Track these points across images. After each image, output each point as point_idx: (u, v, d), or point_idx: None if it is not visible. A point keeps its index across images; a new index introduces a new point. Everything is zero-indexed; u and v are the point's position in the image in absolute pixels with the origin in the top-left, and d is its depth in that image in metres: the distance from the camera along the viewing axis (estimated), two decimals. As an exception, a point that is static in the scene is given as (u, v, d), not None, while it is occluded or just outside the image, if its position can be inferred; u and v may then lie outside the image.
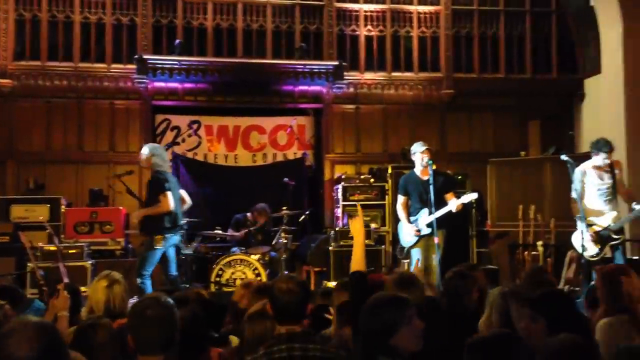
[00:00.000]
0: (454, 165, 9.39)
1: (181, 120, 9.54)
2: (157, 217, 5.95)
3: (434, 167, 6.12)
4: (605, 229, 5.81)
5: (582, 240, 5.71)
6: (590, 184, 5.95)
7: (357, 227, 3.47)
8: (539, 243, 7.86)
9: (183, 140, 9.49)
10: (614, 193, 5.93)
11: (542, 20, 10.28)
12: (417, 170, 6.25)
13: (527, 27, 10.21)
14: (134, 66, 8.96)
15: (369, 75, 9.81)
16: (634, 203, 5.81)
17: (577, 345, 1.94)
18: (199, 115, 9.59)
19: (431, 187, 5.89)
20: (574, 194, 5.96)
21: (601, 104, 9.00)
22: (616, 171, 5.96)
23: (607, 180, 5.92)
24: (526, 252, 8.11)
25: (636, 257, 7.01)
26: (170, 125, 9.54)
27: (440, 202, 5.98)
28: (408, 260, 6.49)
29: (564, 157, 5.99)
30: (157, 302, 2.21)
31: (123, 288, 3.27)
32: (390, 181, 8.66)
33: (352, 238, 8.10)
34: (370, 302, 2.57)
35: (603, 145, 5.84)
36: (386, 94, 9.85)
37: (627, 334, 2.91)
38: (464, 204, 6.12)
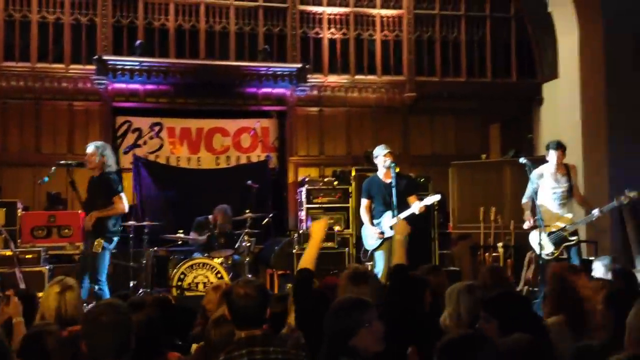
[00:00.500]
0: (417, 168, 9.51)
1: (143, 122, 9.40)
2: (105, 219, 5.84)
3: (397, 169, 6.18)
4: (561, 230, 5.97)
5: (540, 240, 5.84)
6: (546, 186, 6.12)
7: (318, 229, 3.48)
8: (500, 244, 7.99)
9: (145, 143, 9.35)
10: (569, 197, 6.10)
11: (501, 25, 10.47)
12: (380, 173, 6.29)
13: (488, 31, 10.39)
14: (93, 67, 8.79)
15: (332, 78, 9.84)
16: (593, 210, 5.97)
17: (529, 345, 1.96)
18: (161, 117, 9.46)
19: (394, 190, 5.93)
20: (524, 200, 6.19)
21: (559, 108, 9.22)
22: (572, 176, 6.13)
23: (564, 183, 6.10)
24: (487, 254, 8.23)
25: (592, 258, 7.18)
26: (132, 127, 9.40)
27: (403, 205, 6.03)
28: (371, 263, 6.51)
29: (522, 160, 6.13)
30: (111, 308, 2.17)
31: (76, 294, 3.18)
32: (353, 184, 8.69)
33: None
34: (333, 305, 2.61)
35: (550, 142, 6.11)
36: (349, 97, 9.89)
37: (565, 334, 2.96)
38: (426, 206, 6.18)
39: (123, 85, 9.09)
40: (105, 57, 8.74)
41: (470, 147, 10.05)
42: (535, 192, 6.08)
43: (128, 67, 8.80)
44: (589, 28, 8.42)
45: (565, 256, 6.00)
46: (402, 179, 6.21)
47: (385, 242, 6.10)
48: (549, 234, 6.01)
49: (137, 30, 9.22)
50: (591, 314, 2.99)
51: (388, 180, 6.14)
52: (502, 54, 10.44)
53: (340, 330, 2.49)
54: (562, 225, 6.00)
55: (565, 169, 6.15)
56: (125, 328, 2.15)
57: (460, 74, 10.29)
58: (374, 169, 6.62)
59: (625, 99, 8.07)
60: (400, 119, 10.08)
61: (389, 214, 6.08)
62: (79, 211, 7.95)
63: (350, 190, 8.74)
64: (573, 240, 5.99)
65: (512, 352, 1.91)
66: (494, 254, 8.09)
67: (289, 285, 7.57)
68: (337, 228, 8.48)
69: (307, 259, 3.32)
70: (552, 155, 6.06)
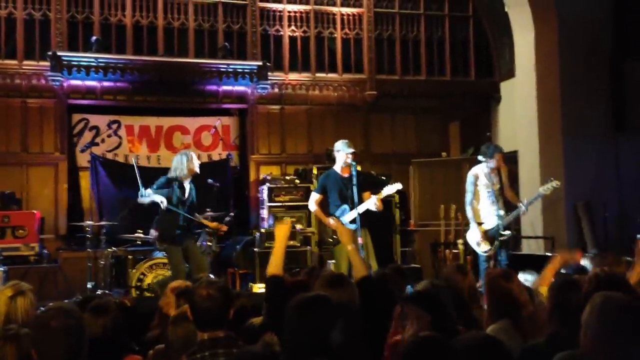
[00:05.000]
0: (378, 166, 9.56)
1: (100, 120, 9.21)
2: None
3: (358, 168, 6.18)
4: (494, 227, 6.27)
5: (478, 239, 6.33)
6: (482, 187, 6.40)
7: (281, 232, 3.46)
8: (460, 241, 8.09)
9: (102, 141, 9.17)
10: (500, 195, 6.43)
11: (460, 24, 10.59)
12: (338, 167, 6.25)
13: (447, 30, 10.50)
14: (47, 63, 8.53)
15: (293, 76, 9.80)
16: (521, 203, 6.39)
17: (486, 342, 1.97)
18: (119, 115, 9.28)
19: (354, 186, 5.91)
20: (467, 199, 6.46)
21: (516, 106, 9.37)
22: (503, 175, 6.47)
23: (497, 182, 6.43)
24: (448, 251, 8.34)
25: (549, 254, 7.34)
26: (89, 125, 9.20)
27: (360, 202, 6.03)
28: (334, 261, 6.49)
29: (481, 158, 6.29)
30: (62, 312, 2.09)
31: (29, 300, 3.06)
32: (315, 182, 8.67)
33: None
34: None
35: (491, 147, 6.47)
36: (311, 95, 9.87)
37: (511, 339, 2.97)
38: (383, 203, 6.19)
39: (79, 82, 8.87)
40: (59, 53, 8.51)
41: (431, 145, 10.16)
42: (470, 193, 6.43)
43: (84, 63, 8.58)
44: (544, 27, 8.58)
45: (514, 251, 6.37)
46: (360, 175, 6.20)
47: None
48: (486, 232, 6.35)
49: (93, 26, 9.01)
50: (532, 317, 3.02)
51: (346, 175, 6.13)
52: (460, 53, 10.57)
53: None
54: (495, 223, 6.28)
55: (496, 169, 6.46)
56: (77, 333, 2.07)
57: (420, 72, 10.37)
58: (335, 166, 6.59)
59: (579, 97, 8.26)
60: (362, 117, 10.11)
61: (345, 207, 6.05)
62: (34, 211, 7.79)
63: (312, 189, 8.71)
64: (505, 236, 6.30)
65: (470, 350, 1.90)
66: (454, 251, 8.20)
67: (253, 285, 7.53)
68: (299, 226, 8.46)
69: (275, 264, 3.32)
70: (494, 160, 6.34)
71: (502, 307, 3.13)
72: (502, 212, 6.33)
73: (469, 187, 6.46)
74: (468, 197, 6.48)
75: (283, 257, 3.39)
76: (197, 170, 6.54)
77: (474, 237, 6.45)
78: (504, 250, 6.42)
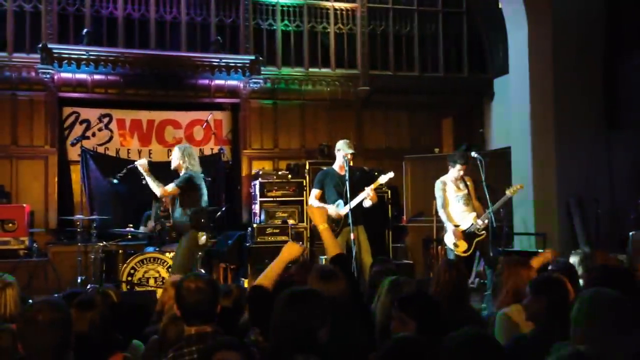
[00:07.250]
0: (371, 162, 9.54)
1: (91, 113, 9.14)
2: None
3: (351, 163, 6.18)
4: (469, 227, 6.28)
5: (453, 240, 6.32)
6: (451, 192, 6.45)
7: (290, 251, 3.31)
8: (452, 238, 8.08)
9: (93, 134, 9.10)
10: (470, 198, 6.47)
11: (453, 20, 10.58)
12: (336, 166, 6.30)
13: (440, 26, 10.48)
14: (37, 56, 8.46)
15: (286, 71, 9.76)
16: (484, 214, 6.34)
17: (480, 338, 1.95)
18: (110, 109, 9.22)
19: (347, 182, 5.92)
20: (438, 204, 6.50)
21: (509, 103, 9.36)
22: (468, 183, 6.51)
23: (463, 188, 6.46)
24: (440, 247, 8.33)
25: (540, 250, 7.35)
26: (80, 119, 9.13)
27: (353, 197, 6.03)
28: (326, 257, 6.46)
29: (474, 154, 6.29)
30: (49, 305, 2.07)
31: (17, 292, 3.04)
32: (307, 177, 8.66)
33: (268, 234, 8.10)
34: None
35: (459, 158, 6.43)
36: (304, 90, 9.83)
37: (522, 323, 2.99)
38: (377, 191, 6.20)
39: (70, 75, 8.80)
40: (50, 46, 8.43)
41: (424, 141, 10.16)
42: (440, 199, 6.45)
43: (75, 56, 8.50)
44: (538, 24, 8.56)
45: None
46: (355, 171, 6.24)
47: (342, 232, 6.06)
48: (463, 232, 6.35)
49: (84, 19, 8.93)
50: None
51: (342, 173, 6.17)
52: (454, 49, 10.56)
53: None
54: (469, 224, 6.28)
55: (462, 177, 6.51)
56: (64, 326, 2.05)
57: (414, 68, 10.35)
58: (328, 162, 6.61)
59: (573, 94, 8.26)
60: (354, 113, 10.09)
61: (340, 202, 6.10)
62: (24, 205, 7.72)
63: (304, 184, 8.71)
64: (482, 235, 6.31)
65: (462, 345, 1.88)
66: (446, 247, 8.19)
67: (245, 280, 7.51)
68: (291, 222, 8.44)
69: (268, 276, 3.18)
70: (458, 168, 6.39)
71: (515, 293, 3.15)
72: (474, 214, 6.34)
73: (437, 192, 6.50)
74: (438, 202, 6.53)
75: (279, 274, 3.23)
76: (175, 165, 6.43)
77: (450, 239, 6.44)
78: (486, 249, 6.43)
